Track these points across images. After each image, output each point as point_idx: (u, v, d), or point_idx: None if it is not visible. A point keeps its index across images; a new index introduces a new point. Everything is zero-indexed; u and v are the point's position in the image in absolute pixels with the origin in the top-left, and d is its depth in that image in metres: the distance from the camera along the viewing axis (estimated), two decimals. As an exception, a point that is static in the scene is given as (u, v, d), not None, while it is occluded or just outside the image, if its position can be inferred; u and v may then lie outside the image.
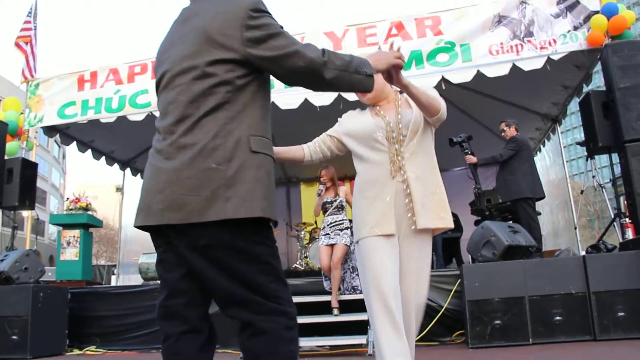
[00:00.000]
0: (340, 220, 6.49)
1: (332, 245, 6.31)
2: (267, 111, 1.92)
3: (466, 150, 6.92)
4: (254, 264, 1.77)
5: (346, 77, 1.92)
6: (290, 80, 1.93)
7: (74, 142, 9.36)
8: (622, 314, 5.25)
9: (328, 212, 6.59)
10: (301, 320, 5.77)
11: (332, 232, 6.40)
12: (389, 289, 2.68)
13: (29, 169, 8.11)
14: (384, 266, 2.73)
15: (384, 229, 2.78)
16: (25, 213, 10.45)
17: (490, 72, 6.82)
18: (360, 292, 6.03)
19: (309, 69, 1.85)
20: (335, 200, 6.62)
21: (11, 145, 8.18)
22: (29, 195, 8.03)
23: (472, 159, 6.93)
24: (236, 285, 1.76)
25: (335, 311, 6.07)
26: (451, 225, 3.00)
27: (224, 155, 1.74)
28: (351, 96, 5.77)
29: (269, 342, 1.74)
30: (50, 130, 8.75)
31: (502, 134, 7.63)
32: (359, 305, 6.50)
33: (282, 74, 1.88)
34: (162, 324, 1.89)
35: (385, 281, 2.69)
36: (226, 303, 1.82)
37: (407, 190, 2.84)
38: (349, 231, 6.31)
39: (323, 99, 7.09)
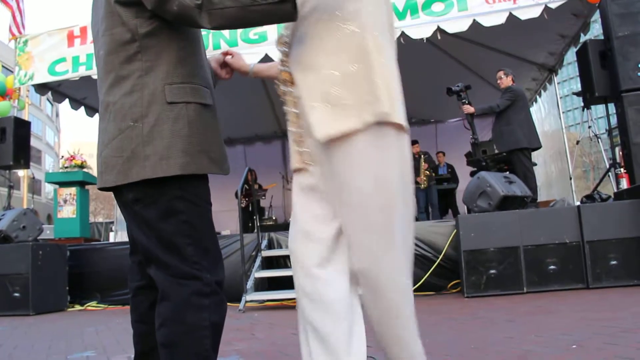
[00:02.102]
0: None
1: None
2: (188, 53, 1.71)
3: (463, 100, 6.86)
4: (172, 223, 1.64)
5: (240, 15, 1.55)
6: (186, 26, 1.69)
7: (67, 100, 9.26)
8: (614, 262, 5.33)
9: None
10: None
11: None
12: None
13: (22, 127, 8.04)
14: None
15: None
16: (21, 172, 10.41)
17: (487, 22, 6.71)
18: None
19: (183, 15, 1.57)
20: None
21: (3, 104, 8.09)
22: (24, 154, 7.99)
23: (469, 108, 6.88)
24: (152, 243, 1.66)
25: None
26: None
27: (140, 111, 1.62)
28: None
29: (174, 308, 1.60)
30: (41, 88, 8.64)
31: (498, 81, 7.54)
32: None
33: (170, 20, 1.63)
34: (128, 279, 1.90)
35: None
36: (145, 261, 1.73)
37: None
38: None
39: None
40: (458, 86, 6.87)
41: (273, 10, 1.55)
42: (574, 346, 2.68)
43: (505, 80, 7.48)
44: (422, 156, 10.05)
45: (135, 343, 1.84)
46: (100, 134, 1.73)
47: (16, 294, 6.45)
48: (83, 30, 7.93)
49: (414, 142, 10.27)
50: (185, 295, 1.59)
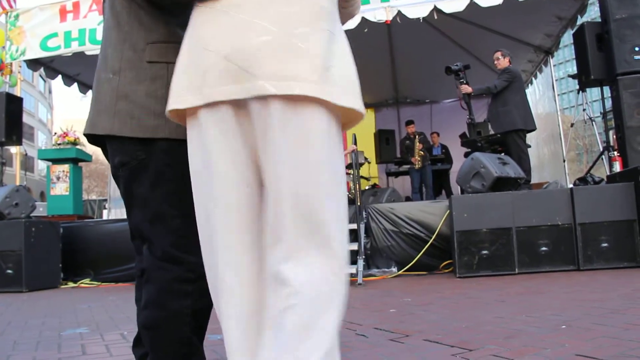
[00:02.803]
0: None
1: None
2: (173, 12, 1.59)
3: (462, 80, 6.85)
4: (158, 192, 1.54)
5: None
6: None
7: (59, 76, 9.19)
8: (605, 244, 5.38)
9: None
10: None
11: None
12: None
13: (14, 103, 7.97)
14: None
15: None
16: (14, 149, 10.33)
17: (484, 2, 6.66)
18: None
19: None
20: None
21: (-6, 79, 8.01)
22: (16, 130, 7.93)
23: (467, 88, 6.87)
24: (138, 215, 1.58)
25: None
26: None
27: (119, 65, 1.54)
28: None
29: (155, 293, 1.53)
30: (33, 64, 8.56)
31: (495, 62, 7.50)
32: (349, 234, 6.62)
33: None
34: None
35: None
36: (133, 235, 1.65)
37: None
38: None
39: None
40: (457, 65, 6.85)
41: None
42: (564, 326, 2.71)
43: (503, 61, 7.44)
44: (417, 136, 10.05)
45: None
46: None
47: (9, 271, 6.45)
48: (75, 5, 7.83)
49: (409, 123, 10.25)
50: (166, 281, 1.52)
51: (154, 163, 1.54)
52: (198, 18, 1.32)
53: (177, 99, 1.31)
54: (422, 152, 9.88)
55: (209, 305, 1.56)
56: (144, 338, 1.58)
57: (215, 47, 1.25)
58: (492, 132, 7.98)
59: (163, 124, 1.51)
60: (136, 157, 1.54)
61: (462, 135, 10.15)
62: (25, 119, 9.99)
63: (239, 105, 1.26)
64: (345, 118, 1.34)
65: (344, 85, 1.27)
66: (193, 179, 1.37)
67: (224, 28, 1.26)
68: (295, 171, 1.22)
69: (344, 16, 1.53)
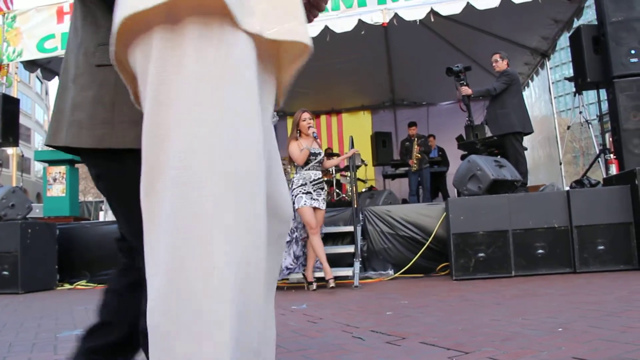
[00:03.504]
0: (320, 179, 5.84)
1: (314, 208, 5.65)
2: None
3: (462, 81, 6.86)
4: (137, 203, 1.41)
5: None
6: None
7: (56, 77, 9.16)
8: (601, 247, 5.39)
9: (310, 166, 5.75)
10: (289, 254, 5.87)
11: (314, 191, 5.69)
12: None
13: (11, 104, 7.96)
14: None
15: None
16: (10, 150, 10.33)
17: (480, 4, 6.68)
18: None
19: None
20: (320, 154, 5.89)
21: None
22: (12, 131, 7.92)
23: (467, 90, 6.88)
24: (125, 226, 1.52)
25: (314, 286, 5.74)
26: None
27: (74, 72, 1.46)
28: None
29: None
30: (30, 65, 8.55)
31: (494, 64, 7.49)
32: (344, 238, 6.61)
33: None
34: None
35: None
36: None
37: None
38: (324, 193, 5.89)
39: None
40: (458, 66, 6.87)
41: None
42: (560, 329, 2.71)
43: (501, 64, 7.45)
44: (416, 139, 10.04)
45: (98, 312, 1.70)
46: None
47: (5, 273, 6.43)
48: (72, 6, 7.81)
49: (412, 124, 10.22)
50: None
51: (126, 173, 1.41)
52: None
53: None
54: (419, 155, 9.88)
55: None
56: (142, 345, 1.56)
57: None
58: (489, 134, 7.99)
59: (109, 133, 1.40)
60: (106, 167, 1.46)
61: (459, 138, 10.17)
62: (22, 120, 9.97)
63: None
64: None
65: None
66: None
67: None
68: None
69: None
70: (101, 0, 1.45)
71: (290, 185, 5.75)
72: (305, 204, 5.56)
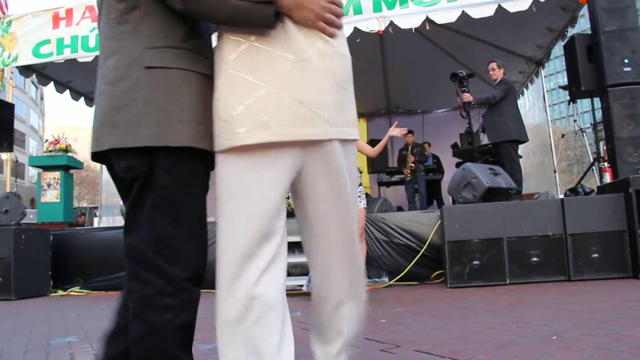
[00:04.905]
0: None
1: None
2: (179, 17, 1.54)
3: (464, 88, 6.89)
4: (151, 197, 1.50)
5: (217, 5, 1.44)
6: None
7: (51, 83, 9.16)
8: (596, 255, 5.40)
9: None
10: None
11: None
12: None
13: (5, 109, 7.96)
14: None
15: None
16: (4, 155, 10.29)
17: (475, 13, 6.71)
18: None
19: None
20: None
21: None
22: (7, 136, 7.91)
23: (468, 97, 6.91)
24: (130, 217, 1.54)
25: None
26: None
27: (115, 75, 1.49)
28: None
29: (137, 306, 1.49)
30: (25, 70, 8.53)
31: (491, 72, 7.52)
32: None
33: None
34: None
35: None
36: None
37: None
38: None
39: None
40: (462, 72, 6.90)
41: (253, 10, 1.44)
42: (554, 337, 2.72)
43: (498, 72, 7.49)
44: (410, 148, 10.04)
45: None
46: None
47: (-2, 278, 6.39)
48: (69, 12, 7.83)
49: (409, 132, 10.22)
50: (146, 295, 1.48)
51: (154, 169, 1.50)
52: (238, 51, 1.51)
53: (248, 134, 1.44)
54: (412, 165, 9.88)
55: (193, 319, 1.54)
56: (131, 351, 1.55)
57: (292, 93, 1.45)
58: (484, 142, 8.02)
59: (163, 132, 1.47)
60: (137, 164, 1.49)
61: (454, 146, 10.20)
62: (17, 125, 9.95)
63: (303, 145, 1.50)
64: None
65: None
66: (229, 198, 1.52)
67: (289, 73, 1.46)
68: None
69: None
70: (158, 2, 1.51)
71: None
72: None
